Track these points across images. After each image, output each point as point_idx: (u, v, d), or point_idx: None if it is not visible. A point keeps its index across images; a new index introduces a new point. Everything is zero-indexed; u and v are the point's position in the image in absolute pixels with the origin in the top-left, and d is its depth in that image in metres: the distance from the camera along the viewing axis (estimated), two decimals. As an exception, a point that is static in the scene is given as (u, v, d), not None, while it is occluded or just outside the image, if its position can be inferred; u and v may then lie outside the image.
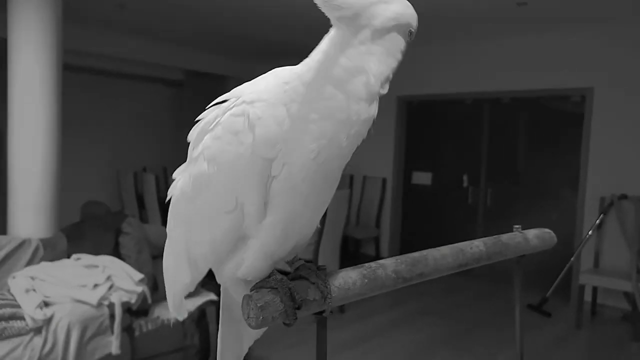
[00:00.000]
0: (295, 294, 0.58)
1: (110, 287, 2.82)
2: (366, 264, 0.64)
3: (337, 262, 4.38)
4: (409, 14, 0.66)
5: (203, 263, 0.64)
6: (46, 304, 2.67)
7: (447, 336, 3.80)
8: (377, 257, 5.93)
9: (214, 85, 7.09)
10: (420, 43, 5.51)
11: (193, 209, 0.62)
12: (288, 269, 0.65)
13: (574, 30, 4.66)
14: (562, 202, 4.93)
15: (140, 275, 2.90)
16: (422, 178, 5.88)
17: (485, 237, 0.77)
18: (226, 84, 7.30)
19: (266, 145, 0.57)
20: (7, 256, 3.08)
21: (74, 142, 5.27)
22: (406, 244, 5.95)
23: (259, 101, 0.59)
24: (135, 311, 2.92)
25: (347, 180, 6.12)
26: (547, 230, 0.92)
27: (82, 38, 4.99)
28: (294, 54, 5.30)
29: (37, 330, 2.57)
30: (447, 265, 0.70)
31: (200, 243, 0.62)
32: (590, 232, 4.35)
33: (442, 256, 0.71)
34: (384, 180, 5.91)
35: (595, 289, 4.47)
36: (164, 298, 2.75)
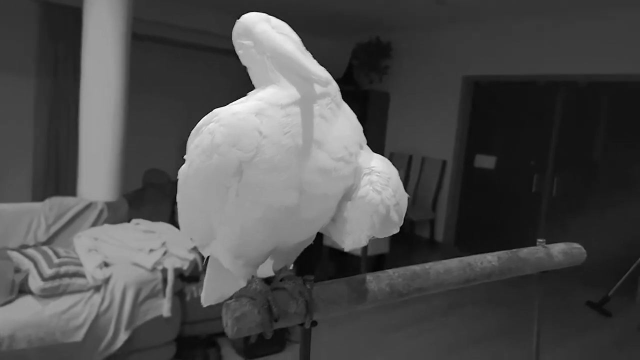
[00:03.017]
0: (273, 306, 0.57)
1: (165, 253, 2.96)
2: (359, 276, 0.62)
3: (388, 244, 4.35)
4: None
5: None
6: (106, 264, 2.85)
7: (463, 342, 3.70)
8: (432, 239, 5.83)
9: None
10: (491, 19, 5.23)
11: (179, 196, 0.66)
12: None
13: (666, 10, 4.25)
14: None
15: (192, 244, 3.03)
16: (485, 161, 5.67)
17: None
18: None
19: (220, 173, 0.57)
20: (75, 216, 3.30)
21: (143, 110, 5.51)
22: (463, 229, 5.80)
23: (227, 126, 0.57)
24: (187, 277, 3.06)
25: (405, 160, 6.02)
26: (576, 245, 0.85)
27: (154, 7, 5.14)
28: (359, 29, 5.22)
29: (97, 289, 2.75)
30: (452, 280, 0.67)
31: (186, 224, 0.67)
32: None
33: (447, 270, 0.68)
34: (444, 163, 5.76)
35: (665, 292, 4.18)
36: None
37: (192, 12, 5.62)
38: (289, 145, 0.55)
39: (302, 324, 0.60)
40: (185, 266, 2.97)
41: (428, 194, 5.82)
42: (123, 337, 2.71)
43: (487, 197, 5.64)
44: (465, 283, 0.69)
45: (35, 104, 5.11)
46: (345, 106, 0.66)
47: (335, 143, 0.58)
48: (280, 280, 0.64)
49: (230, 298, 0.58)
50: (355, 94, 6.29)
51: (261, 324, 0.55)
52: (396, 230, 0.64)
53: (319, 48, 7.02)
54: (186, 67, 6.65)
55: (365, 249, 4.13)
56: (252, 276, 0.64)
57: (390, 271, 0.64)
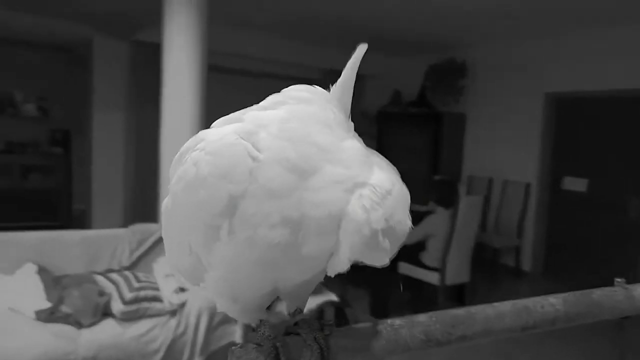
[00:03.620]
0: (282, 355, 0.51)
1: (236, 279, 2.99)
2: (389, 320, 0.55)
3: (468, 272, 4.13)
4: None
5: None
6: (181, 289, 2.93)
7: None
8: (517, 268, 5.48)
9: (352, 84, 7.16)
10: (573, 30, 4.92)
11: (163, 232, 0.60)
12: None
13: None
14: None
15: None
16: (575, 184, 5.27)
17: None
18: (363, 82, 7.31)
19: (208, 212, 0.50)
20: (156, 242, 3.44)
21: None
22: (552, 258, 5.39)
23: (214, 154, 0.50)
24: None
25: (485, 184, 5.75)
26: (666, 286, 0.72)
27: (225, 39, 5.37)
28: (431, 49, 5.10)
29: (173, 313, 2.83)
30: (504, 326, 0.58)
31: (173, 263, 0.61)
32: None
33: (498, 315, 0.58)
34: (528, 186, 5.42)
35: None
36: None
37: (265, 42, 5.79)
38: (291, 155, 0.49)
39: None
40: (256, 292, 2.98)
41: (512, 219, 5.49)
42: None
43: (578, 223, 5.22)
44: (522, 331, 0.59)
45: (125, 135, 5.48)
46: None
47: (344, 153, 0.52)
48: (295, 325, 0.57)
49: (237, 343, 0.53)
50: (429, 116, 6.15)
51: None
52: (385, 261, 0.55)
53: (392, 70, 6.95)
54: (260, 96, 6.84)
55: (443, 277, 3.95)
56: (261, 320, 0.57)
57: (426, 316, 0.56)
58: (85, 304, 2.66)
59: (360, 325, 0.55)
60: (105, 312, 2.74)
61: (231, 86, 6.56)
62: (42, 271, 2.91)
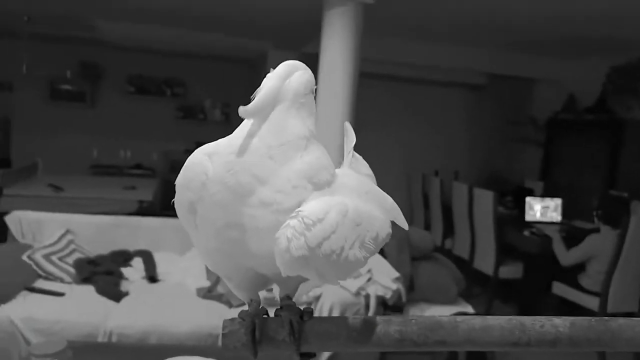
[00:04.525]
0: (257, 330, 0.61)
1: (369, 280, 3.10)
2: (368, 317, 0.60)
3: (637, 300, 3.63)
4: (312, 78, 0.67)
5: None
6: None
7: None
8: None
9: (519, 89, 6.74)
10: None
11: None
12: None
13: None
14: None
15: (396, 274, 3.09)
16: None
17: None
18: (533, 87, 6.83)
19: (180, 209, 0.65)
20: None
21: (368, 143, 5.89)
22: None
23: (184, 168, 0.64)
24: (391, 306, 3.13)
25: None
26: None
27: (381, 47, 5.50)
28: (613, 49, 4.64)
29: (309, 305, 3.06)
30: (492, 340, 0.57)
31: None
32: None
33: (485, 327, 0.58)
34: None
35: None
36: (420, 299, 2.87)
37: (414, 48, 5.78)
38: (230, 182, 0.59)
39: (304, 355, 0.62)
40: (388, 295, 3.05)
41: None
42: (326, 353, 2.93)
43: None
44: (512, 346, 0.58)
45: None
46: (316, 148, 0.64)
47: (279, 179, 0.59)
48: (280, 308, 0.66)
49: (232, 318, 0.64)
50: (609, 123, 5.48)
51: (245, 345, 0.59)
52: (329, 282, 0.60)
53: (567, 73, 6.39)
54: (409, 102, 6.90)
55: (604, 303, 3.54)
56: (251, 299, 0.68)
57: (407, 317, 0.59)
58: (235, 287, 3.02)
59: (339, 316, 0.62)
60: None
61: (394, 93, 6.71)
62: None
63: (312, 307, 3.04)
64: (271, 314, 0.66)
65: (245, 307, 0.66)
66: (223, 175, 0.60)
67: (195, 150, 0.66)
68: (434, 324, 0.59)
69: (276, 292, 0.70)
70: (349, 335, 0.59)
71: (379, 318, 0.60)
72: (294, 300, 0.68)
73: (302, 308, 0.65)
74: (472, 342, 0.58)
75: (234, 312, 2.92)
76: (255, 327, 0.62)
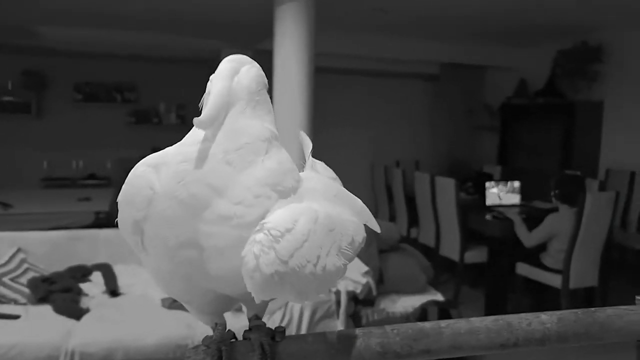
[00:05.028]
0: (224, 358, 0.54)
1: (338, 276, 3.08)
2: (345, 331, 0.55)
3: (596, 276, 3.75)
4: (260, 71, 0.63)
5: None
6: (288, 284, 3.09)
7: None
8: (666, 273, 4.82)
9: (472, 77, 6.86)
10: None
11: None
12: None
13: None
14: None
15: (365, 268, 3.08)
16: None
17: None
18: (486, 74, 6.96)
19: (123, 229, 0.58)
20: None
21: (329, 138, 5.88)
22: None
23: (126, 184, 0.59)
24: (362, 300, 3.11)
25: (627, 177, 5.12)
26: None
27: (335, 41, 5.47)
28: (560, 34, 4.73)
29: (279, 307, 3.00)
30: (479, 343, 0.54)
31: None
32: None
33: (470, 331, 0.55)
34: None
35: None
36: (390, 291, 2.85)
37: (368, 41, 5.79)
38: (182, 196, 0.52)
39: None
40: (359, 289, 3.03)
41: (657, 217, 4.84)
42: None
43: None
44: (500, 348, 0.56)
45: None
46: (278, 151, 0.58)
47: (238, 188, 0.52)
48: (249, 330, 0.60)
49: (194, 346, 0.58)
50: (560, 106, 5.65)
51: None
52: (309, 299, 0.52)
53: (517, 59, 6.55)
54: (366, 93, 6.93)
55: (566, 280, 3.63)
56: (216, 323, 0.61)
57: (388, 327, 0.56)
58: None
59: (315, 333, 0.57)
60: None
61: (351, 86, 6.70)
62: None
63: (282, 308, 2.99)
64: (239, 336, 0.60)
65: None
66: (173, 187, 0.53)
67: (138, 163, 0.58)
68: (417, 333, 0.55)
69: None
70: (326, 352, 0.54)
71: (358, 331, 0.56)
72: (263, 320, 0.63)
73: (272, 328, 0.59)
74: (458, 348, 0.54)
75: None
76: (221, 355, 0.56)
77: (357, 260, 3.16)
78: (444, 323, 0.57)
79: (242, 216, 0.52)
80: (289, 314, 2.96)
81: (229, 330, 0.61)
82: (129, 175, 0.58)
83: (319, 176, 0.67)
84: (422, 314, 3.15)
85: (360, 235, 0.60)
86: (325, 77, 5.47)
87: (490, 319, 0.57)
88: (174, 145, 0.58)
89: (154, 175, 0.55)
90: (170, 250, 0.54)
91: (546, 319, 0.58)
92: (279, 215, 0.52)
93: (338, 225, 0.55)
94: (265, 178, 0.54)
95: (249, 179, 0.53)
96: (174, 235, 0.53)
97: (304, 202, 0.55)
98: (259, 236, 0.50)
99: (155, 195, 0.54)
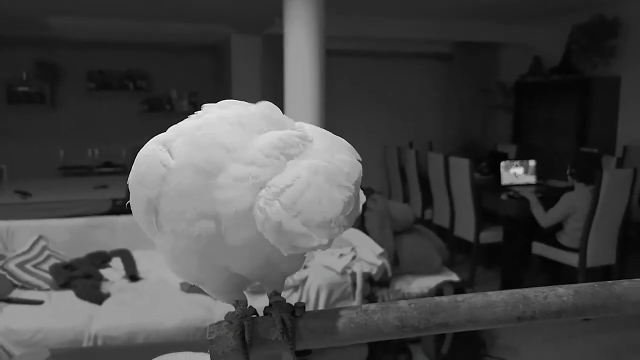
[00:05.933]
0: (247, 333, 0.56)
1: (354, 258, 3.09)
2: (364, 306, 0.57)
3: (614, 254, 3.72)
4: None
5: None
6: (304, 266, 3.12)
7: None
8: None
9: (485, 56, 6.76)
10: None
11: None
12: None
13: None
14: None
15: (380, 249, 3.09)
16: None
17: None
18: (499, 52, 6.86)
19: (137, 209, 0.59)
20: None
21: (342, 120, 5.86)
22: None
23: (136, 164, 0.59)
24: (378, 282, 3.13)
25: (637, 154, 5.03)
26: None
27: (346, 23, 5.42)
28: (575, 8, 4.64)
29: (295, 288, 3.03)
30: (495, 317, 0.55)
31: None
32: None
33: (487, 304, 0.56)
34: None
35: None
36: (405, 272, 2.87)
37: (379, 22, 5.72)
38: (197, 160, 0.54)
39: (299, 353, 0.57)
40: (374, 271, 3.05)
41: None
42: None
43: None
44: (517, 321, 0.56)
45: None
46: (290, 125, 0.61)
47: (250, 150, 0.54)
48: (270, 306, 0.62)
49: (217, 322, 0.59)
50: (576, 83, 5.55)
51: (234, 350, 0.55)
52: (315, 244, 0.53)
53: (531, 35, 6.43)
54: (379, 76, 6.87)
55: (583, 259, 3.61)
56: (237, 300, 0.63)
57: (405, 302, 0.57)
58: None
59: (334, 308, 0.58)
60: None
61: (363, 68, 6.65)
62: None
63: (299, 289, 3.03)
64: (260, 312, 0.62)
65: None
66: (189, 154, 0.54)
67: (148, 142, 0.59)
68: (435, 307, 0.56)
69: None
70: (346, 327, 0.55)
71: (376, 306, 0.57)
72: (282, 295, 0.64)
73: (293, 304, 0.61)
74: (475, 322, 0.55)
75: (220, 304, 2.90)
76: (244, 329, 0.57)
77: (372, 242, 3.18)
78: (460, 297, 0.58)
79: (257, 176, 0.53)
80: (306, 296, 3.00)
81: (250, 306, 0.62)
82: (137, 156, 0.59)
83: (315, 128, 0.68)
84: (437, 294, 3.16)
85: (357, 172, 0.62)
86: (336, 59, 5.45)
87: (506, 292, 0.58)
88: (188, 118, 0.60)
89: (164, 153, 0.56)
90: (189, 223, 0.54)
91: (563, 292, 0.58)
92: (281, 176, 0.54)
93: (337, 170, 0.57)
94: (274, 143, 0.55)
95: (260, 142, 0.55)
96: (192, 207, 0.54)
97: (306, 160, 0.56)
98: (262, 192, 0.53)
99: (169, 171, 0.55)
